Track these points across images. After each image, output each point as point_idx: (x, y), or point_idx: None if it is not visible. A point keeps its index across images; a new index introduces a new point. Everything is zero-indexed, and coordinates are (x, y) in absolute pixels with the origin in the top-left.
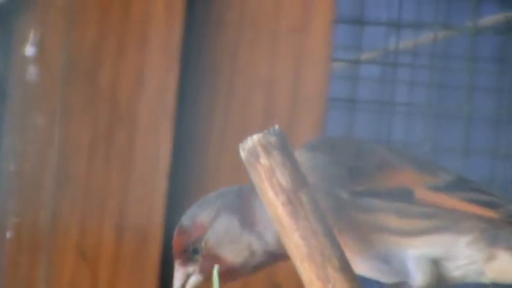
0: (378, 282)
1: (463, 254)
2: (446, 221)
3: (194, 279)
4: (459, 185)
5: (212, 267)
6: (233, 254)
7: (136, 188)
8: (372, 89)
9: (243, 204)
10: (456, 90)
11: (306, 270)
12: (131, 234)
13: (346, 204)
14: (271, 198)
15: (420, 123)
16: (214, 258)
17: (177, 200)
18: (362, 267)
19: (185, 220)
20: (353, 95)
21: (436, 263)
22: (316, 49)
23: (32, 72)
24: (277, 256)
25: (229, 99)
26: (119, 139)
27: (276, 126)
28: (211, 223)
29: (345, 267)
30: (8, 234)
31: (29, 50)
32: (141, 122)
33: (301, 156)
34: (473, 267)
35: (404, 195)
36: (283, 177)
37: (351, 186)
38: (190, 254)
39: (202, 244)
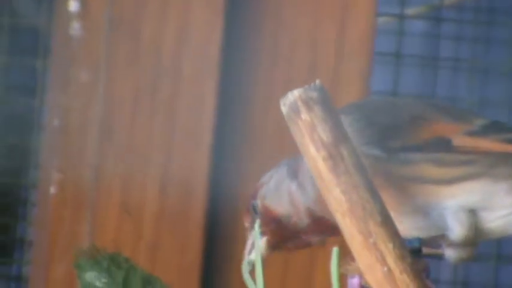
0: (418, 239)
1: (503, 202)
2: (483, 167)
3: (260, 241)
4: (494, 127)
5: (267, 222)
6: (276, 202)
7: (181, 142)
8: (417, 44)
9: (294, 161)
10: (501, 45)
11: (348, 225)
12: (175, 189)
13: (381, 161)
14: (312, 153)
15: (465, 78)
16: (266, 211)
17: (222, 154)
18: (400, 225)
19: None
20: (398, 50)
21: (474, 214)
22: (360, 3)
23: (75, 27)
24: (318, 218)
25: (274, 53)
26: (163, 93)
27: (317, 81)
28: (270, 178)
29: (387, 222)
30: (52, 190)
31: (73, 5)
32: (185, 76)
33: None
34: None
35: (442, 145)
36: (324, 132)
37: (385, 143)
38: (253, 214)
39: (258, 200)
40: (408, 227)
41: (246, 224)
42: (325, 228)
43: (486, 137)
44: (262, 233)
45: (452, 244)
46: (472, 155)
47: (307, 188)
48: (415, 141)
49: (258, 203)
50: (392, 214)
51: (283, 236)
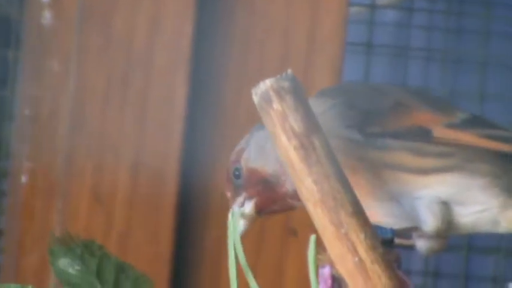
0: (391, 229)
1: (476, 198)
2: (461, 161)
3: (247, 206)
4: (475, 122)
5: (253, 184)
6: (263, 162)
7: (152, 132)
8: (389, 34)
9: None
10: (472, 35)
11: (319, 215)
12: (147, 178)
13: (359, 144)
14: (284, 142)
15: (437, 68)
16: (252, 174)
17: (193, 144)
18: (373, 210)
19: (231, 155)
20: (370, 39)
21: (448, 208)
22: None
23: (46, 16)
24: None
25: (246, 43)
26: (135, 83)
27: (289, 71)
28: (247, 144)
29: (358, 212)
30: (23, 179)
31: None
32: (157, 66)
33: (312, 104)
34: (487, 214)
35: (422, 134)
36: (295, 122)
37: (365, 127)
38: (235, 181)
39: (242, 163)
40: (382, 213)
41: (228, 194)
42: None
43: (466, 130)
44: (249, 197)
45: (425, 235)
46: (450, 148)
47: None
48: (394, 127)
49: (242, 166)
50: (367, 199)
51: (271, 197)
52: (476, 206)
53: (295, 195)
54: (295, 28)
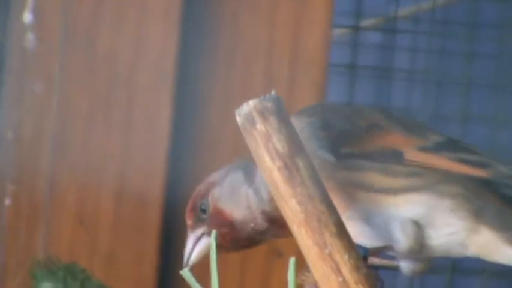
0: (364, 248)
1: (445, 220)
2: (430, 182)
3: (202, 243)
4: (448, 146)
5: (218, 224)
6: (232, 206)
7: (136, 153)
8: (372, 56)
9: (249, 164)
10: (456, 57)
11: (303, 236)
12: (131, 200)
13: (332, 165)
14: (268, 163)
15: (420, 89)
16: (218, 213)
17: (178, 165)
18: (351, 230)
19: (201, 185)
20: (353, 61)
21: (420, 227)
22: (316, 15)
23: (30, 39)
24: (274, 219)
25: (230, 63)
26: (118, 105)
27: (273, 92)
28: (221, 181)
29: (342, 233)
30: (7, 201)
31: (27, 17)
32: (141, 87)
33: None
34: (456, 237)
35: (393, 156)
36: (279, 143)
37: (338, 148)
38: (199, 214)
39: (210, 198)
40: (355, 233)
41: (189, 222)
42: (281, 228)
43: (439, 154)
44: (209, 233)
45: (400, 255)
46: (420, 169)
47: (261, 192)
48: (367, 149)
49: (209, 203)
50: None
51: (234, 237)
52: (445, 228)
53: (265, 232)
54: (279, 49)
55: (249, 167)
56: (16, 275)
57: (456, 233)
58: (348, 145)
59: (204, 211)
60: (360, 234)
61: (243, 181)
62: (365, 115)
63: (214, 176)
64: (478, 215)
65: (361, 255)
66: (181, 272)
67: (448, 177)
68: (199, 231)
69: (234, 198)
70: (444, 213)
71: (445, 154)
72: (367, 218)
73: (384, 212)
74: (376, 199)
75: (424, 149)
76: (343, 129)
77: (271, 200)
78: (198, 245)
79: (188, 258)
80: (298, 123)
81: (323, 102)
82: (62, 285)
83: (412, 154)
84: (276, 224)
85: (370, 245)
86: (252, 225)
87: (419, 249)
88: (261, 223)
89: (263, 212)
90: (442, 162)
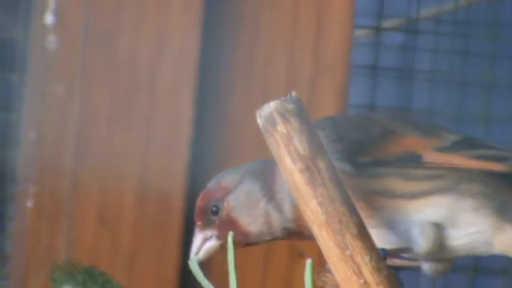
0: (383, 249)
1: (468, 220)
2: (451, 183)
3: (211, 243)
4: (465, 144)
5: (228, 232)
6: (249, 220)
7: (158, 153)
8: (394, 57)
9: (267, 173)
10: (478, 58)
11: (324, 238)
12: (152, 201)
13: (351, 176)
14: (289, 165)
15: (442, 90)
16: (231, 222)
17: (198, 166)
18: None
19: (211, 183)
20: (375, 62)
21: (440, 230)
22: (338, 15)
23: (51, 40)
24: (293, 233)
25: (251, 63)
26: (140, 105)
27: (294, 93)
28: (236, 186)
29: (363, 235)
30: (29, 203)
31: (49, 18)
32: (162, 88)
33: None
34: (480, 236)
35: (412, 159)
36: (300, 145)
37: (355, 158)
38: (210, 215)
39: (225, 204)
40: (377, 241)
41: (199, 223)
42: (300, 237)
43: (457, 152)
44: (218, 237)
45: (420, 257)
46: (440, 170)
47: (284, 209)
48: (385, 155)
49: (223, 208)
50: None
51: (245, 243)
52: (468, 228)
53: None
54: (300, 51)
55: (267, 173)
56: (38, 276)
57: (480, 231)
58: (364, 154)
59: (215, 213)
60: (382, 242)
61: (261, 194)
62: (378, 122)
63: (228, 179)
64: (501, 212)
65: (382, 257)
66: (189, 261)
67: (468, 176)
68: (208, 232)
69: (251, 212)
70: (467, 213)
71: (462, 152)
72: (390, 225)
73: (406, 217)
74: (397, 205)
75: (441, 149)
76: (358, 139)
77: (296, 219)
78: (206, 243)
79: (195, 254)
80: None
81: (345, 103)
82: None
83: (431, 155)
84: (293, 236)
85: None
86: (269, 238)
87: (438, 251)
88: (281, 236)
89: (285, 229)
90: (460, 160)
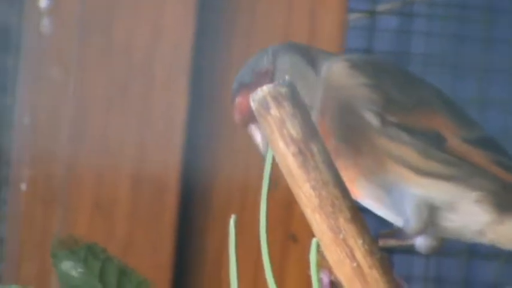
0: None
1: (469, 209)
2: (463, 174)
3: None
4: (489, 144)
5: None
6: (305, 91)
7: (153, 140)
8: (389, 40)
9: (300, 47)
10: (473, 41)
11: (317, 221)
12: (148, 186)
13: (374, 130)
14: (282, 149)
15: (437, 74)
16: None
17: (194, 152)
18: (358, 188)
19: (243, 78)
20: (369, 46)
21: (434, 212)
22: (332, 0)
23: (46, 24)
24: None
25: (247, 50)
26: (135, 91)
27: (287, 77)
28: (275, 65)
29: (356, 218)
30: (23, 187)
31: (44, 2)
32: (158, 75)
33: (340, 70)
34: (474, 225)
35: (436, 140)
36: (293, 128)
37: (385, 114)
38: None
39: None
40: (365, 194)
41: (252, 126)
42: None
43: (479, 150)
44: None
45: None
46: (458, 160)
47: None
48: (413, 124)
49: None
50: (361, 178)
51: None
52: (465, 216)
53: None
54: (296, 34)
55: (296, 47)
56: (32, 260)
57: (476, 222)
58: (395, 115)
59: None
60: (369, 196)
61: (307, 62)
62: (420, 89)
63: (261, 64)
64: (505, 208)
65: (375, 240)
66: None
67: (482, 173)
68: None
69: (305, 82)
70: (469, 203)
71: (485, 152)
72: (386, 187)
73: (407, 187)
74: (403, 174)
75: (467, 141)
76: (394, 98)
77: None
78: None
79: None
80: (351, 78)
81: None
82: (83, 264)
83: (455, 143)
84: None
85: (374, 209)
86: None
87: (427, 230)
88: None
89: None
90: (480, 159)
